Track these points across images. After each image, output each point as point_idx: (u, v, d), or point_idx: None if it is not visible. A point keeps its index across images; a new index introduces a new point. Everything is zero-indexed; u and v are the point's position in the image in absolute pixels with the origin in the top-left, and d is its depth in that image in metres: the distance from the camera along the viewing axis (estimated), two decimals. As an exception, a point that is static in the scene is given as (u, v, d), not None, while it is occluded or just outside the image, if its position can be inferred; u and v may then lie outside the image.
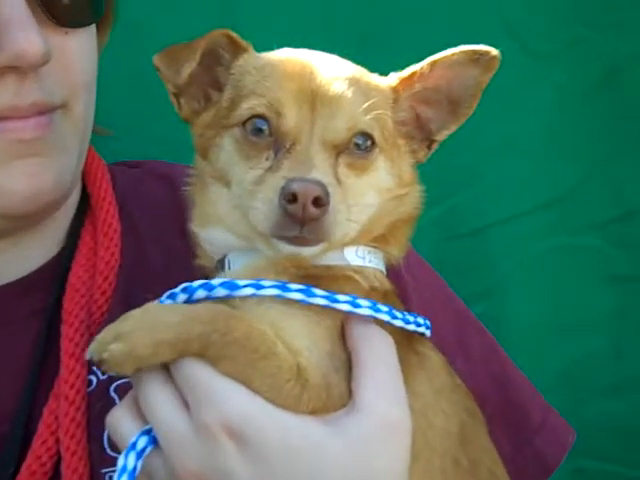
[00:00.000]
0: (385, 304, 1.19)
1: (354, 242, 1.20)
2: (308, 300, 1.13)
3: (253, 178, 1.16)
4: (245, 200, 1.16)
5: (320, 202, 1.08)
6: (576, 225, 1.89)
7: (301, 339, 1.12)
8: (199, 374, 1.07)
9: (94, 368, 1.33)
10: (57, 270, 1.44)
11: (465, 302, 1.67)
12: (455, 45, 1.16)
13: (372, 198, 1.19)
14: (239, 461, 1.05)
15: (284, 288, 1.13)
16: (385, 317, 1.17)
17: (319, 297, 1.14)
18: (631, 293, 1.88)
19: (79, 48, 1.36)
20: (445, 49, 1.17)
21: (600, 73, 1.85)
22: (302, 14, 1.85)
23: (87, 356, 1.10)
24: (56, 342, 1.35)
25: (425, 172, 1.69)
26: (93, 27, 1.42)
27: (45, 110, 1.30)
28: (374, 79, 1.23)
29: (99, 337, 1.10)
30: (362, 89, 1.18)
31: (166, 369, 1.10)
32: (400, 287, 1.36)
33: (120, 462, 1.07)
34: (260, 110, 1.16)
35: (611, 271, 1.88)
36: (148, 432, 1.10)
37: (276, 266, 1.17)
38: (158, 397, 1.09)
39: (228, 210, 1.21)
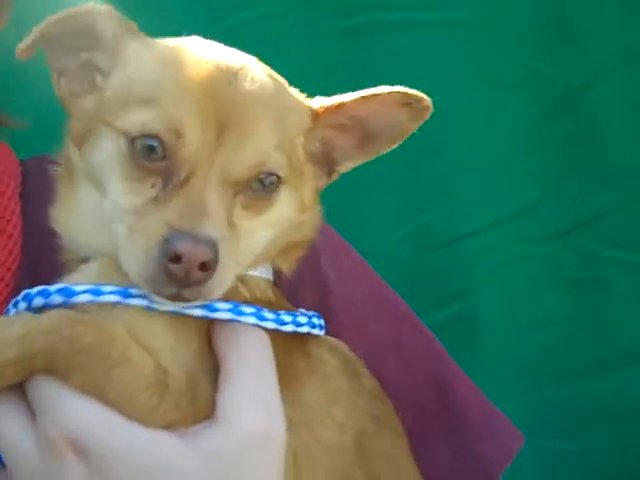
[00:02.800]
0: (272, 310, 1.05)
1: None
2: (154, 307, 0.97)
3: (132, 205, 0.97)
4: (118, 229, 0.98)
5: (207, 266, 0.92)
6: (533, 236, 2.00)
7: (162, 339, 0.97)
8: (45, 388, 0.93)
9: None
10: None
11: (439, 304, 1.82)
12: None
13: (267, 234, 1.04)
14: (83, 478, 0.92)
15: (125, 294, 0.97)
16: (271, 325, 1.03)
17: (196, 308, 0.98)
18: (580, 293, 2.00)
19: None
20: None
21: (553, 101, 1.98)
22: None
23: None
24: None
25: (401, 192, 1.88)
26: None
27: None
28: (293, 99, 1.06)
29: None
30: (278, 113, 1.01)
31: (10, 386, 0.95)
32: (318, 281, 1.28)
33: None
34: (155, 128, 0.95)
35: (563, 275, 2.00)
36: None
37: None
38: (2, 416, 0.95)
39: (97, 220, 1.03)
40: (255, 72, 1.02)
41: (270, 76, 1.04)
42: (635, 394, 1.98)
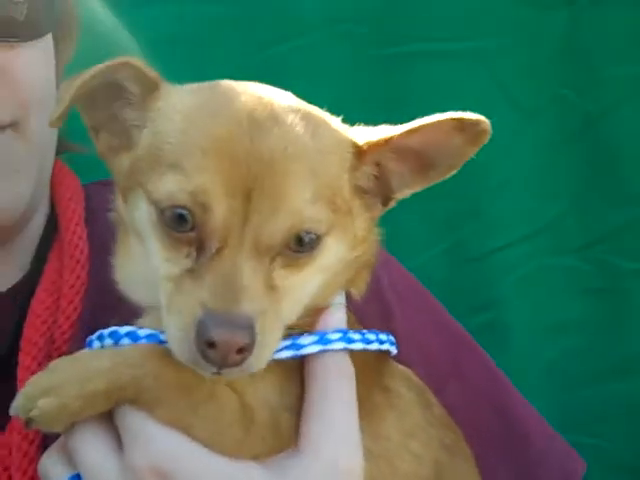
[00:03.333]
0: (357, 330, 1.04)
1: None
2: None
3: (170, 274, 0.94)
4: (161, 297, 0.95)
5: (244, 349, 0.88)
6: (557, 249, 2.08)
7: (244, 378, 0.95)
8: (133, 419, 0.95)
9: None
10: (21, 295, 1.28)
11: (471, 313, 1.82)
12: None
13: (315, 282, 0.98)
14: None
15: None
16: (359, 346, 1.02)
17: (284, 350, 0.98)
18: (600, 303, 2.08)
19: (28, 62, 1.19)
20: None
21: (575, 125, 2.05)
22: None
23: (11, 412, 0.96)
24: (15, 372, 1.19)
25: (436, 212, 1.94)
26: (48, 41, 1.26)
27: None
28: (331, 138, 0.98)
29: (24, 392, 0.95)
30: (312, 163, 0.93)
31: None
32: (382, 305, 1.27)
33: None
34: (182, 200, 0.91)
35: (584, 286, 2.09)
36: (77, 476, 0.99)
37: None
38: (87, 442, 0.96)
39: (148, 276, 0.98)
40: (284, 120, 0.94)
41: (304, 117, 0.96)
42: None
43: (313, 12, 1.98)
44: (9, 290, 1.28)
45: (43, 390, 0.93)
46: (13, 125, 1.18)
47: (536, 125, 2.05)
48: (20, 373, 1.17)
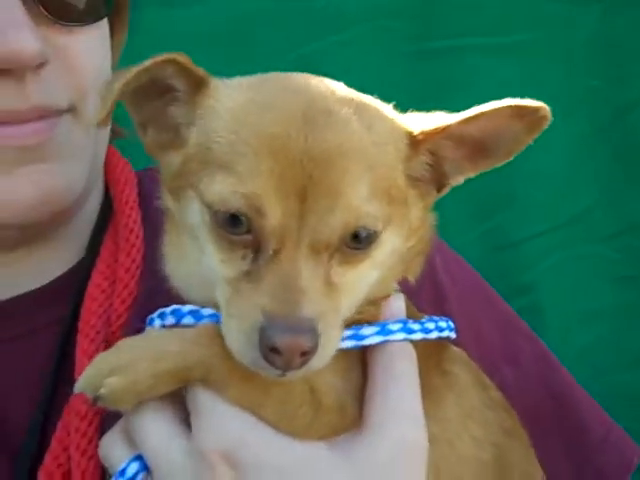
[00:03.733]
0: (416, 321, 1.03)
1: None
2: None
3: (226, 276, 0.92)
4: (218, 298, 0.94)
5: (308, 352, 0.87)
6: (589, 238, 2.14)
7: None
8: (202, 399, 0.94)
9: None
10: (77, 278, 1.28)
11: (505, 298, 1.76)
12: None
13: (373, 275, 0.97)
14: None
15: None
16: (420, 336, 1.01)
17: (346, 340, 0.97)
18: (631, 289, 2.13)
19: (87, 48, 1.19)
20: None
21: (607, 116, 2.11)
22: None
23: (76, 390, 0.95)
24: (72, 354, 1.19)
25: (474, 199, 1.95)
26: (104, 25, 1.25)
27: (48, 114, 1.15)
28: (385, 128, 0.96)
29: (91, 370, 0.94)
30: (367, 157, 0.91)
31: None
32: (435, 287, 1.26)
33: None
34: (235, 204, 0.89)
35: (616, 273, 2.14)
36: (139, 457, 0.97)
37: None
38: (150, 423, 0.96)
39: (200, 274, 0.98)
40: (338, 114, 0.92)
41: (358, 109, 0.94)
42: None
43: (352, 8, 2.01)
44: (66, 273, 1.30)
45: (112, 368, 0.92)
46: (71, 110, 1.18)
47: (569, 117, 2.07)
48: (79, 355, 1.18)
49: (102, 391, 0.92)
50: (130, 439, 0.99)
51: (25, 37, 1.08)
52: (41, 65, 1.11)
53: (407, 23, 2.05)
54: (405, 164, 0.97)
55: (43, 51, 1.10)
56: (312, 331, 0.86)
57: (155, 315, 1.02)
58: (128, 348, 0.95)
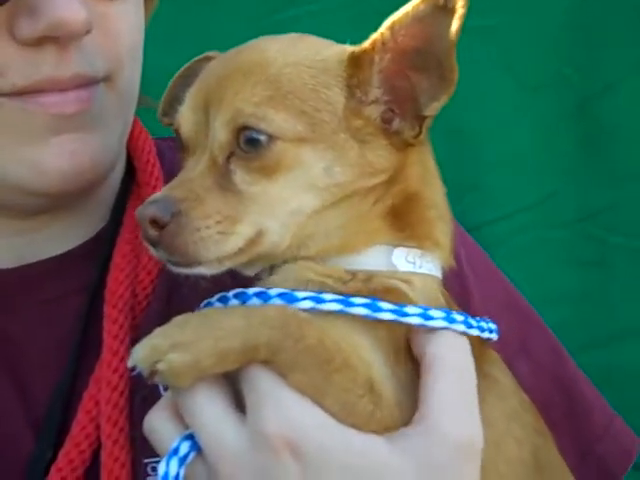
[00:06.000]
0: (460, 312, 1.01)
1: (335, 250, 1.00)
2: (374, 315, 0.95)
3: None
4: None
5: (158, 223, 0.93)
6: (551, 223, 2.14)
7: (374, 352, 0.96)
8: (265, 382, 0.92)
9: None
10: (100, 246, 1.28)
11: None
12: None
13: (303, 199, 0.98)
14: (295, 478, 0.90)
15: (347, 303, 0.95)
16: (461, 327, 0.99)
17: (386, 311, 0.95)
18: (592, 274, 2.15)
19: (124, 16, 1.19)
20: None
21: (574, 102, 2.12)
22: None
23: (130, 364, 0.92)
24: (98, 323, 1.19)
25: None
26: None
27: (87, 83, 1.15)
28: (310, 56, 0.99)
29: (151, 344, 0.91)
30: (272, 74, 0.96)
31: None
32: (460, 281, 1.25)
33: (161, 468, 0.92)
34: (175, 124, 1.04)
35: (575, 257, 2.16)
36: (190, 437, 0.94)
37: (308, 282, 0.99)
38: (204, 402, 0.93)
39: None
40: (260, 46, 1.01)
41: (290, 43, 1.01)
42: (636, 362, 2.13)
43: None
44: (89, 241, 1.30)
45: (172, 344, 0.89)
46: (106, 79, 1.18)
47: (536, 101, 2.10)
48: (107, 325, 1.17)
49: (160, 366, 0.89)
50: (181, 416, 0.96)
51: (73, 4, 1.07)
52: (85, 33, 1.10)
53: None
54: (348, 91, 0.98)
55: (90, 19, 1.09)
56: (165, 203, 0.93)
57: (214, 299, 1.01)
58: (192, 324, 0.92)
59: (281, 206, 0.97)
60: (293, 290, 0.97)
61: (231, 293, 1.00)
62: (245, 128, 0.95)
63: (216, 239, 0.95)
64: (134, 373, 0.94)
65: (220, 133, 0.96)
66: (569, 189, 2.14)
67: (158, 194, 0.97)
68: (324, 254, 1.00)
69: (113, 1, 1.16)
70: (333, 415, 0.92)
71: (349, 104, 0.98)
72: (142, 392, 1.12)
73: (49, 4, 1.06)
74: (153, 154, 1.34)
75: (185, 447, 0.93)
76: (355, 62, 0.99)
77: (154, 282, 1.23)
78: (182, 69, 1.14)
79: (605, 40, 2.10)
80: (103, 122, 1.19)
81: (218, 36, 1.85)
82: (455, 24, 0.93)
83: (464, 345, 0.99)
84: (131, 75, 1.23)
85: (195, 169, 0.97)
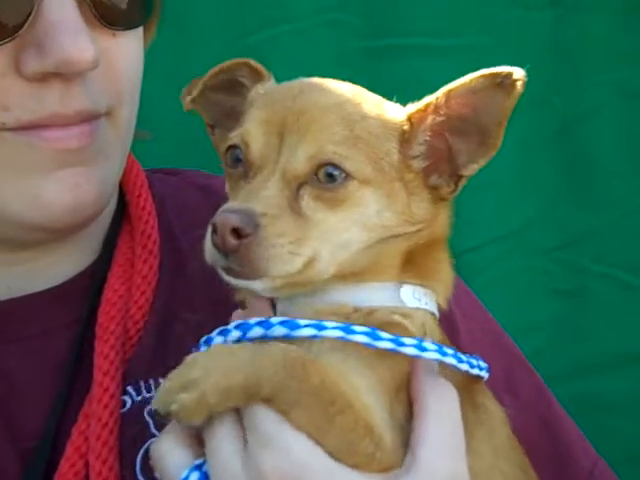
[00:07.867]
0: (449, 347, 1.05)
1: (356, 278, 1.05)
2: (374, 344, 0.98)
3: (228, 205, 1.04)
4: None
5: (239, 233, 0.97)
6: (530, 251, 2.13)
7: (367, 394, 0.98)
8: (265, 418, 0.94)
9: (128, 388, 1.20)
10: (91, 281, 1.28)
11: None
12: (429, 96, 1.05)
13: (354, 234, 1.03)
14: None
15: (348, 330, 0.99)
16: (452, 361, 1.04)
17: (385, 340, 0.99)
18: (569, 303, 2.13)
19: (126, 52, 1.21)
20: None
21: (554, 128, 2.10)
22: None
23: (153, 407, 0.97)
24: (88, 358, 1.20)
25: None
26: (140, 29, 1.26)
27: (90, 118, 1.16)
28: (374, 109, 1.06)
29: (164, 387, 0.96)
30: (346, 118, 1.03)
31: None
32: (447, 317, 1.24)
33: None
34: (234, 141, 1.06)
35: (554, 286, 2.14)
36: (199, 467, 0.98)
37: (314, 313, 1.03)
38: (223, 436, 0.96)
39: None
40: (329, 88, 1.07)
41: (354, 95, 1.07)
42: (613, 392, 2.12)
43: (302, -1, 1.98)
44: (79, 275, 1.29)
45: (182, 384, 0.94)
46: (108, 114, 1.19)
47: (515, 126, 2.00)
48: (97, 360, 1.18)
49: (173, 407, 0.94)
50: (186, 445, 0.99)
51: (83, 43, 1.08)
52: (92, 69, 1.11)
53: (359, 18, 2.03)
54: (400, 145, 1.06)
55: (98, 57, 1.10)
56: (247, 215, 0.97)
57: (214, 333, 1.04)
58: (199, 363, 0.96)
59: (335, 236, 1.03)
60: (295, 318, 1.01)
61: (232, 325, 1.03)
62: (328, 164, 1.01)
63: (285, 258, 0.99)
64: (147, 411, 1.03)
65: (301, 163, 1.02)
66: (547, 217, 2.13)
67: (235, 204, 1.00)
68: (339, 279, 1.05)
69: (116, 37, 1.17)
70: (335, 454, 0.95)
71: (401, 157, 1.06)
72: (131, 430, 1.15)
73: (57, 41, 1.06)
74: (145, 188, 1.35)
75: (195, 477, 0.97)
76: (409, 120, 1.06)
77: (145, 317, 1.24)
78: (220, 67, 1.15)
79: (586, 65, 2.08)
80: (104, 156, 1.20)
81: (194, 57, 1.91)
82: (511, 101, 1.01)
83: (451, 389, 1.03)
84: (131, 109, 1.25)
85: (267, 187, 1.01)
